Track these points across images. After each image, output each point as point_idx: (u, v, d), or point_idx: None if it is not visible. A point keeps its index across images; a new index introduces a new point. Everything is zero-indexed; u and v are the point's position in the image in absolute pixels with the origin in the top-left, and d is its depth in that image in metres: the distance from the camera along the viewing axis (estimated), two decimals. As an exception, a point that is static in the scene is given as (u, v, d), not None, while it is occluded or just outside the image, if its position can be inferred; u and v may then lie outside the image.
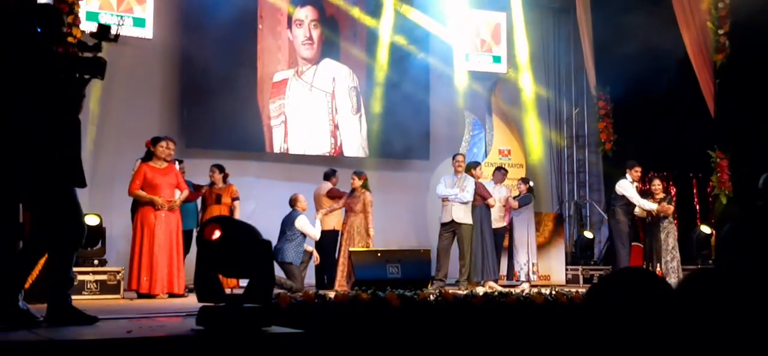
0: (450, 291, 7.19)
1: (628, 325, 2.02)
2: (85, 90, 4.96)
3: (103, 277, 8.86)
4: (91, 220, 8.66)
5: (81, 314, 4.83)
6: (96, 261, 8.94)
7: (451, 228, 10.51)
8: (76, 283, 6.02)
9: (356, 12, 13.11)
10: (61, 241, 4.86)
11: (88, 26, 9.35)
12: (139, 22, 11.40)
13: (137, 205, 8.88)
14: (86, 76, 4.88)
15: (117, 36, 4.98)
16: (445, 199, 10.54)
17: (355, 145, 13.08)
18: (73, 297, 5.00)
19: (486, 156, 13.73)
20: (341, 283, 10.24)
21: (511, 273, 11.46)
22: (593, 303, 2.09)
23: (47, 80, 4.76)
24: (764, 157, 10.05)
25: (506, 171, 11.90)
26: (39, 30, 4.84)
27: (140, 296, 8.51)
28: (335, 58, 13.09)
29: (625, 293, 2.02)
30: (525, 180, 11.78)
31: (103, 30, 4.95)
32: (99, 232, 9.26)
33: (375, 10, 13.14)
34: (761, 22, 10.64)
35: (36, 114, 4.71)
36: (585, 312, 2.11)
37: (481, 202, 10.64)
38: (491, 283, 10.35)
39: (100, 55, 4.90)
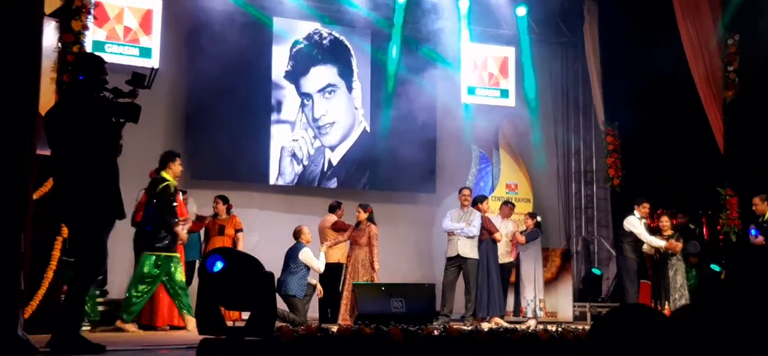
0: (455, 327, 7.09)
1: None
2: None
3: (105, 308, 8.80)
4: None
5: (88, 343, 4.89)
6: (97, 291, 8.86)
7: (456, 262, 10.42)
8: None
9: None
10: (75, 272, 5.14)
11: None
12: (145, 52, 11.38)
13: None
14: (121, 120, 5.22)
15: (151, 82, 5.42)
16: (450, 233, 10.46)
17: (361, 177, 13.01)
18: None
19: (493, 190, 13.63)
20: (345, 317, 10.14)
21: (517, 308, 11.36)
22: (597, 340, 2.02)
23: (88, 125, 5.10)
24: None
25: (513, 206, 11.83)
26: (81, 78, 5.21)
27: (142, 327, 8.43)
28: (342, 90, 13.06)
29: (628, 330, 1.96)
30: (532, 215, 11.71)
31: (138, 78, 5.34)
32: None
33: (383, 43, 13.14)
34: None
35: (77, 156, 5.07)
36: (589, 348, 2.04)
37: (487, 236, 10.56)
38: (497, 319, 10.25)
39: (134, 101, 5.29)
